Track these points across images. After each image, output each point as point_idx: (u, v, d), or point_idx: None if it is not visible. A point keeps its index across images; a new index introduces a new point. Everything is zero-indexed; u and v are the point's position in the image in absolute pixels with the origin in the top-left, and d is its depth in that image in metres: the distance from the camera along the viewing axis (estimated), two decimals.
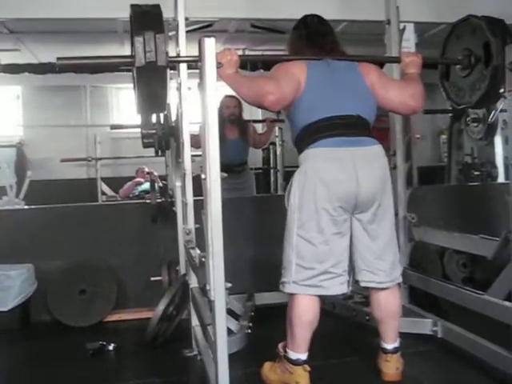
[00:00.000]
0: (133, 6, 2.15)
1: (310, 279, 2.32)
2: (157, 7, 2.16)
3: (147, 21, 2.09)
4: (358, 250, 2.40)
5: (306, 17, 2.61)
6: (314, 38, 2.53)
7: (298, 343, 2.36)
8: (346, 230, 2.34)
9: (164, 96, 2.31)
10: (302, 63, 2.39)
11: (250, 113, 5.28)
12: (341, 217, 2.30)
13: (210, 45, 1.97)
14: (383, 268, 2.41)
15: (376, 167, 2.35)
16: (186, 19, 2.87)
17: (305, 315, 2.35)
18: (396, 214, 3.04)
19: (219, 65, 2.16)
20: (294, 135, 2.43)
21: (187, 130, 2.83)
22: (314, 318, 2.37)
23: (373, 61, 2.57)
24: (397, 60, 2.67)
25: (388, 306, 2.48)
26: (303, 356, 2.36)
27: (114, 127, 6.75)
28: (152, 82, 2.15)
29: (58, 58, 2.11)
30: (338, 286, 2.35)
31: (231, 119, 4.62)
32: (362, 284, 2.45)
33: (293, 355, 2.36)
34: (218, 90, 2.02)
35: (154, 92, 2.24)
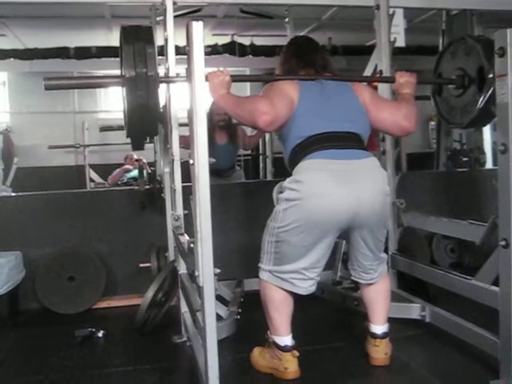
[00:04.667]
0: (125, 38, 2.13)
1: (283, 273, 2.34)
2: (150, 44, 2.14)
3: (140, 58, 2.07)
4: (355, 255, 2.45)
5: (295, 37, 2.66)
6: (304, 54, 2.54)
7: (275, 326, 2.39)
8: (328, 240, 2.30)
9: (154, 127, 2.35)
10: (294, 82, 2.39)
11: None
12: (324, 229, 2.25)
13: (198, 29, 1.95)
14: (374, 267, 2.48)
15: (375, 180, 2.30)
16: (174, 4, 2.84)
17: (276, 296, 2.37)
18: None
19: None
20: (287, 155, 2.39)
21: (175, 116, 2.81)
22: (286, 298, 2.38)
23: (367, 80, 2.57)
24: (391, 80, 2.67)
25: (379, 287, 2.53)
26: (289, 341, 2.38)
27: (103, 129, 6.89)
28: (143, 119, 2.17)
29: (46, 79, 2.10)
30: (308, 288, 2.37)
31: (221, 125, 4.62)
32: (354, 279, 2.55)
33: (280, 341, 2.38)
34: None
35: (145, 129, 2.27)
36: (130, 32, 2.16)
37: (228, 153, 4.73)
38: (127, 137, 2.58)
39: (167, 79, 2.60)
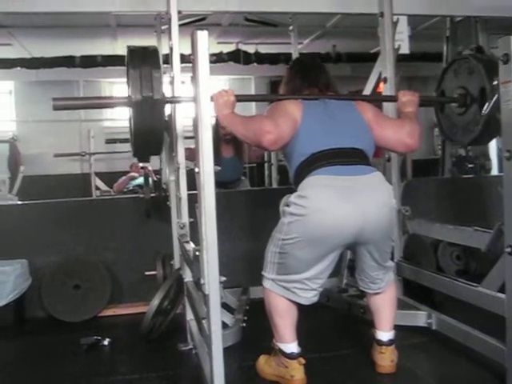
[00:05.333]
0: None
1: (286, 282, 2.35)
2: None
3: (147, 83, 2.11)
4: (361, 267, 2.46)
5: (299, 56, 2.66)
6: (308, 73, 2.58)
7: (280, 333, 2.39)
8: (333, 255, 2.31)
9: (160, 148, 2.46)
10: (298, 101, 2.42)
11: None
12: (329, 245, 2.26)
13: (203, 38, 1.96)
14: (381, 277, 2.48)
15: (380, 195, 2.30)
16: (179, 13, 2.86)
17: (280, 303, 2.38)
18: None
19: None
20: (293, 173, 2.40)
21: (181, 124, 2.82)
22: (289, 306, 2.38)
23: (369, 100, 2.59)
24: (393, 99, 2.70)
25: (385, 294, 2.53)
26: (295, 348, 2.37)
27: (109, 141, 6.95)
28: (148, 141, 2.26)
29: (54, 99, 2.12)
30: (311, 298, 2.37)
31: (227, 139, 4.65)
32: (362, 289, 2.57)
33: (286, 348, 2.37)
34: (211, 84, 2.02)
35: (150, 149, 2.33)
36: (137, 55, 2.18)
37: (234, 165, 4.79)
38: (133, 156, 2.63)
39: (173, 99, 2.62)
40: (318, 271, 2.31)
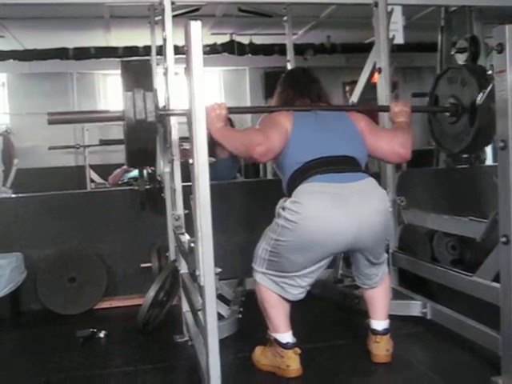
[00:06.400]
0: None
1: (276, 277, 2.37)
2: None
3: (139, 108, 2.12)
4: (356, 265, 2.49)
5: (291, 69, 2.66)
6: (300, 84, 2.61)
7: (274, 323, 2.41)
8: (325, 261, 2.34)
9: (153, 161, 2.55)
10: (288, 112, 2.43)
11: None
12: (321, 252, 2.28)
13: (197, 28, 1.94)
14: (375, 272, 2.50)
15: (374, 201, 2.30)
16: (173, 3, 2.84)
17: (272, 296, 2.40)
18: None
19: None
20: (286, 182, 2.40)
21: (175, 117, 2.81)
22: (280, 298, 2.40)
23: (361, 110, 2.61)
24: (386, 109, 2.71)
25: (380, 284, 2.54)
26: (290, 337, 2.39)
27: (103, 142, 6.90)
28: (142, 157, 2.29)
29: (49, 113, 2.12)
30: (297, 295, 2.39)
31: None
32: (358, 285, 2.61)
33: (281, 338, 2.38)
34: (205, 76, 2.00)
35: (144, 163, 2.57)
36: (130, 74, 2.17)
37: (230, 166, 4.79)
38: (128, 166, 2.65)
39: (167, 112, 2.61)
40: (308, 271, 2.33)
